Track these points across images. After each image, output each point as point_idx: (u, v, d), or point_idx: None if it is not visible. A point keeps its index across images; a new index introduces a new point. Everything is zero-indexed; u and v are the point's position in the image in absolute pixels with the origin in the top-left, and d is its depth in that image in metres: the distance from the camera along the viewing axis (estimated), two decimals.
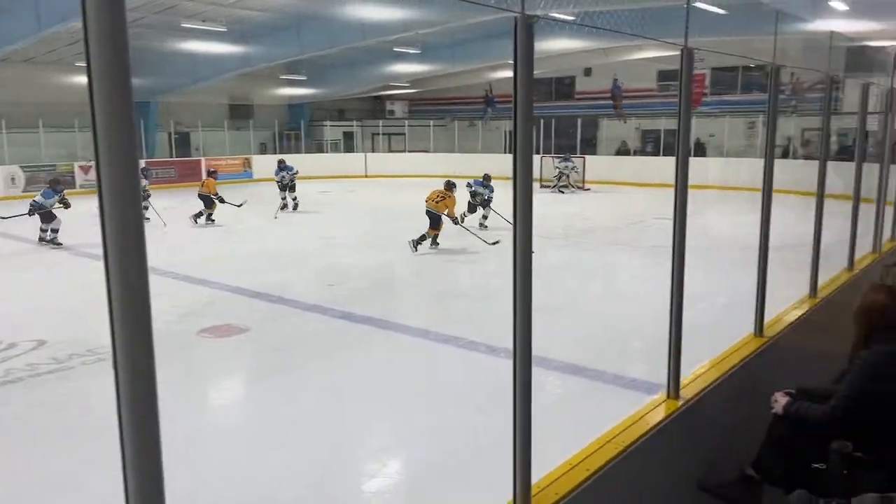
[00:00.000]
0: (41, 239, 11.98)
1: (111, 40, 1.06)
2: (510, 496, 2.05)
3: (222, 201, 14.62)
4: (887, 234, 6.62)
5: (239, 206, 14.59)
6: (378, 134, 30.69)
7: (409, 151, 29.25)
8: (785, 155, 19.94)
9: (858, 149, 5.86)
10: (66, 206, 12.29)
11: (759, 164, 3.82)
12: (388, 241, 12.39)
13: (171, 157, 24.73)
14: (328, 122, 30.74)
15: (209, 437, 4.64)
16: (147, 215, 14.90)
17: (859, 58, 6.21)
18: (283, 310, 7.74)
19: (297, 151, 28.45)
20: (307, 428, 4.72)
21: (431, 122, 29.70)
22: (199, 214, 14.53)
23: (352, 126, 30.93)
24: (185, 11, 17.14)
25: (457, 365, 5.94)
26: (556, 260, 10.15)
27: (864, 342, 2.86)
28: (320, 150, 29.48)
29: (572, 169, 21.56)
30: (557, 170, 21.39)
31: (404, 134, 30.26)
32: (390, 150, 30.18)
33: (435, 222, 11.30)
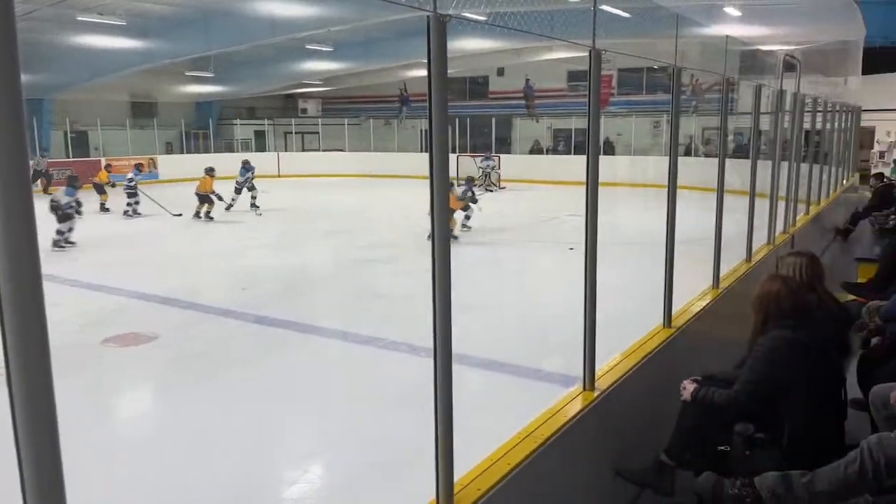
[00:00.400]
0: (56, 243, 11.17)
1: None
2: (433, 495, 2.06)
3: (220, 199, 14.75)
4: (780, 227, 7.05)
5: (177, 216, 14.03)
6: (291, 133, 30.09)
7: (324, 150, 28.84)
8: (687, 153, 20.93)
9: (753, 147, 6.21)
10: (78, 205, 11.88)
11: (664, 161, 3.99)
12: (303, 242, 12.19)
13: (68, 158, 23.37)
14: (238, 121, 29.87)
15: (116, 451, 4.41)
16: (139, 210, 15.32)
17: (752, 61, 6.57)
18: (195, 316, 7.46)
19: (206, 151, 27.48)
20: (222, 438, 4.57)
21: (346, 121, 29.39)
22: (198, 214, 14.62)
23: (263, 125, 30.17)
24: (80, 4, 16.19)
25: (377, 366, 5.90)
26: (473, 258, 10.25)
27: (762, 329, 3.03)
28: (230, 149, 28.56)
29: (493, 168, 21.89)
30: (481, 169, 21.66)
31: (318, 133, 29.80)
32: (304, 150, 29.67)
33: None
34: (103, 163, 22.28)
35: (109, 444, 4.50)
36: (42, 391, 1.08)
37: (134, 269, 9.76)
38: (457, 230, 11.95)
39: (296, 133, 30.10)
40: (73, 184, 12.14)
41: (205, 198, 14.69)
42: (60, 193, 11.78)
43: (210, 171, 15.10)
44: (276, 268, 9.88)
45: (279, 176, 26.45)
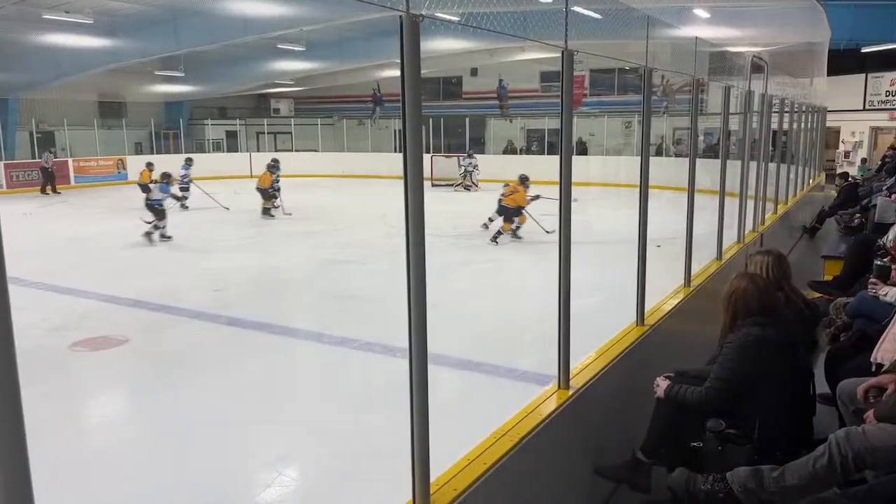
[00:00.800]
0: (148, 234, 11.80)
1: None
2: (409, 496, 2.05)
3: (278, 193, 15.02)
4: (749, 225, 7.17)
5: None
6: (263, 133, 29.83)
7: (297, 151, 28.63)
8: (659, 153, 21.18)
9: (722, 147, 6.30)
10: (180, 199, 12.93)
11: (636, 161, 4.03)
12: (276, 243, 12.09)
13: (34, 159, 22.89)
14: (209, 121, 29.50)
15: (86, 458, 4.33)
16: (186, 204, 15.72)
17: (721, 62, 6.67)
18: (166, 318, 7.36)
19: (177, 151, 27.07)
20: (196, 442, 4.51)
21: (319, 121, 29.21)
22: (266, 210, 15.03)
23: (235, 125, 29.83)
24: (46, 2, 15.88)
25: (353, 367, 5.87)
26: (447, 258, 10.25)
27: (731, 326, 3.08)
28: (201, 149, 28.19)
29: (475, 166, 21.94)
30: (462, 167, 21.71)
31: (291, 133, 29.57)
32: (276, 150, 29.40)
33: (508, 216, 11.69)
34: (71, 165, 22.02)
35: (79, 450, 4.42)
36: (8, 397, 1.06)
37: (102, 271, 9.60)
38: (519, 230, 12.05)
39: (268, 133, 29.84)
40: (166, 180, 12.68)
41: (265, 192, 15.11)
42: (157, 190, 12.43)
43: (272, 167, 15.41)
44: (248, 269, 9.78)
45: (251, 176, 26.17)
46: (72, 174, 23.03)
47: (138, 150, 26.72)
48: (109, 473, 4.11)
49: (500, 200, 12.07)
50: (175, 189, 12.63)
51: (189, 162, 17.90)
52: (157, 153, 26.84)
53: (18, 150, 22.75)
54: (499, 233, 11.65)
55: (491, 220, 12.41)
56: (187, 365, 6.00)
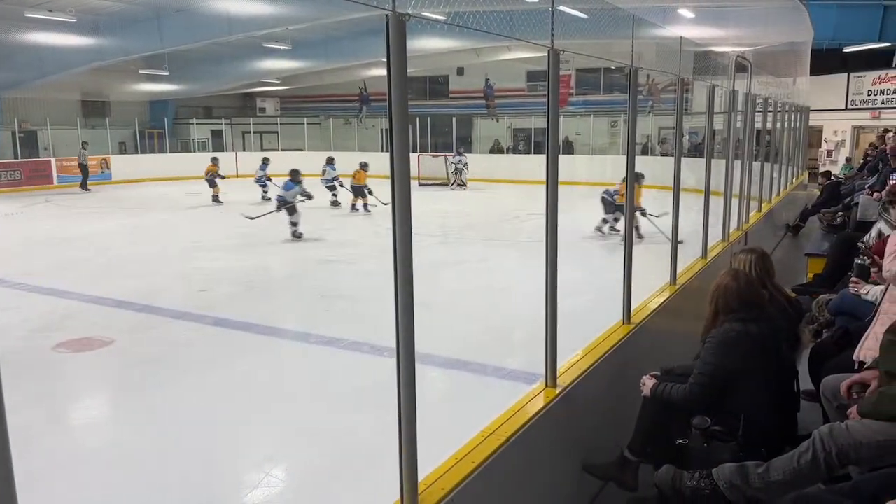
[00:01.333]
0: (295, 234, 11.99)
1: None
2: (398, 495, 2.05)
3: (371, 193, 15.32)
4: (734, 224, 7.23)
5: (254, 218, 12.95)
6: (249, 132, 29.67)
7: (283, 150, 28.51)
8: (644, 152, 21.30)
9: (707, 146, 6.35)
10: (309, 197, 12.51)
11: (622, 160, 4.05)
12: (262, 243, 12.02)
13: (17, 158, 22.63)
14: (194, 120, 29.31)
15: (71, 460, 4.28)
16: (338, 199, 16.74)
17: (705, 62, 6.72)
18: (151, 319, 7.30)
19: (162, 151, 26.95)
20: (183, 443, 4.47)
21: (305, 120, 29.09)
22: (354, 206, 15.79)
23: (220, 124, 29.64)
24: (29, 1, 15.71)
25: (341, 367, 5.85)
26: (435, 257, 10.25)
27: (714, 322, 3.10)
28: (186, 149, 28.04)
29: (465, 164, 21.95)
30: (453, 164, 21.74)
31: (277, 132, 29.43)
32: (262, 149, 29.26)
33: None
34: (54, 165, 21.79)
35: (64, 452, 4.37)
36: None
37: (86, 272, 9.51)
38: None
39: (254, 132, 29.69)
40: (294, 178, 12.76)
41: (359, 190, 15.75)
42: (282, 189, 12.65)
43: (364, 166, 15.90)
44: (234, 269, 9.73)
45: (238, 176, 26.05)
46: (55, 174, 22.79)
47: (122, 149, 26.50)
48: (95, 476, 4.07)
49: (614, 199, 11.37)
50: (304, 186, 12.68)
51: (266, 161, 18.45)
52: (142, 153, 26.67)
53: (1, 149, 22.46)
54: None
55: (605, 220, 11.83)
56: (173, 366, 5.96)
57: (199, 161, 25.68)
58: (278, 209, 12.34)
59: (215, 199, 17.71)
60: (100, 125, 25.61)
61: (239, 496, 3.92)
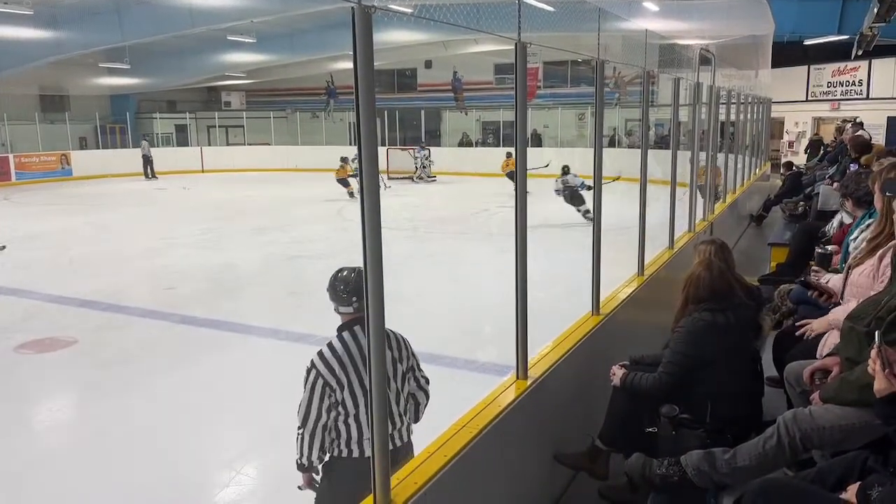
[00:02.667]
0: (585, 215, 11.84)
1: None
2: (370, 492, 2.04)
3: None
4: (700, 215, 7.33)
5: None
6: (214, 126, 29.22)
7: (249, 144, 28.15)
8: (612, 144, 21.50)
9: (673, 138, 6.42)
10: (590, 188, 12.40)
11: (589, 153, 4.08)
12: (229, 240, 11.87)
13: None
14: (157, 115, 28.78)
15: (37, 463, 4.19)
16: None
17: (670, 55, 6.79)
18: (117, 318, 7.16)
19: (124, 146, 26.38)
20: (150, 445, 4.40)
21: (271, 114, 28.75)
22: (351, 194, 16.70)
23: (184, 118, 29.13)
24: None
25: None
26: (404, 250, 10.23)
27: (683, 311, 3.15)
28: (150, 144, 27.52)
29: (427, 158, 21.93)
30: (417, 159, 21.72)
31: (243, 126, 29.04)
32: (228, 144, 28.88)
33: None
34: (11, 161, 21.22)
35: (28, 454, 4.28)
36: None
37: (48, 271, 9.28)
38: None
39: (219, 127, 29.25)
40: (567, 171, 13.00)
41: (344, 182, 17.03)
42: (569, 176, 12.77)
43: (344, 161, 17.21)
44: (201, 266, 9.59)
45: (203, 171, 25.67)
46: (13, 171, 22.21)
47: (83, 144, 25.91)
48: (60, 477, 3.99)
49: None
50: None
51: (423, 146, 20.85)
52: (103, 147, 26.08)
53: None
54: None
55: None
56: (138, 365, 5.86)
57: (163, 156, 25.30)
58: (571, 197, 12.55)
59: (352, 195, 17.61)
60: (59, 120, 24.97)
61: (210, 495, 3.88)
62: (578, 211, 12.38)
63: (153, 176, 23.99)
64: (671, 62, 6.77)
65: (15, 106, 23.29)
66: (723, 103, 8.81)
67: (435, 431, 2.53)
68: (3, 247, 10.36)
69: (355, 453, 2.57)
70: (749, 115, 12.34)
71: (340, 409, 2.57)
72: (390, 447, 2.51)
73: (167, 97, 29.15)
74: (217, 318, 7.02)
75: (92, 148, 25.97)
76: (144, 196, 17.71)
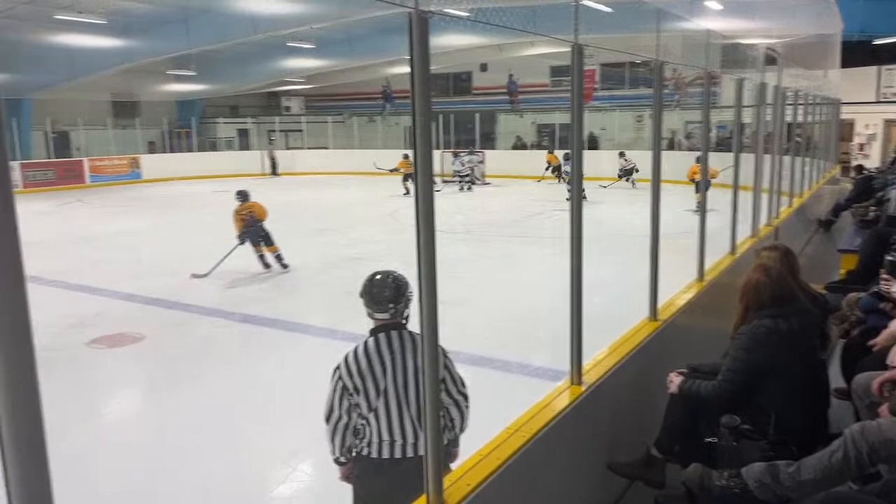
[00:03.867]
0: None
1: None
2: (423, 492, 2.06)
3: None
4: (764, 219, 7.11)
5: None
6: (274, 131, 29.92)
7: (308, 148, 28.71)
8: (670, 147, 21.05)
9: (736, 140, 6.25)
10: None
11: (647, 155, 4.01)
12: (289, 240, 12.11)
13: (49, 158, 23.11)
14: (221, 119, 29.66)
15: (104, 453, 4.38)
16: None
17: (733, 55, 6.61)
18: (181, 316, 7.42)
19: (189, 150, 27.30)
20: (212, 438, 4.55)
21: (329, 119, 29.25)
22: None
23: (246, 123, 29.95)
24: (59, 2, 15.99)
25: None
26: (459, 254, 10.25)
27: (743, 318, 3.06)
28: (214, 148, 28.42)
29: (478, 162, 21.89)
30: (466, 165, 21.72)
31: (302, 130, 29.64)
32: (287, 148, 29.53)
33: None
34: (86, 165, 22.18)
35: (98, 445, 4.47)
36: (28, 392, 1.07)
37: (118, 269, 9.68)
38: None
39: (279, 131, 29.94)
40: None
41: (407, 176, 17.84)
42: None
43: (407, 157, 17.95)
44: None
45: (263, 174, 26.32)
46: (87, 174, 23.24)
47: (151, 149, 26.90)
48: (126, 468, 4.16)
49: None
50: None
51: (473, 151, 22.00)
52: (170, 152, 27.04)
53: (34, 150, 22.93)
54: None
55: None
56: (202, 361, 6.05)
57: (226, 159, 26.08)
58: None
59: (408, 192, 18.57)
60: (129, 125, 26.05)
61: (267, 490, 3.97)
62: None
63: (276, 174, 25.79)
64: (734, 62, 6.58)
65: (89, 112, 24.42)
66: (789, 104, 8.54)
67: (488, 435, 2.53)
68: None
69: (374, 454, 2.61)
70: (817, 117, 11.90)
71: (358, 411, 2.61)
72: (412, 454, 2.57)
73: (230, 102, 30.03)
74: (276, 318, 7.18)
75: (160, 152, 26.95)
76: (208, 198, 18.24)
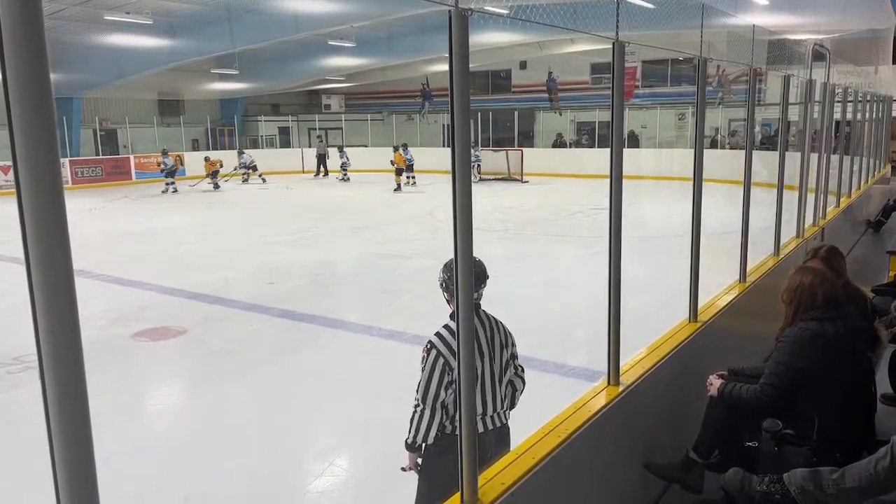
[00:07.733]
0: None
1: (27, 32, 1.00)
2: (457, 488, 2.06)
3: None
4: (810, 219, 6.93)
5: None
6: (314, 129, 30.25)
7: (347, 146, 28.96)
8: (713, 145, 20.65)
9: (781, 138, 6.11)
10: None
11: (689, 154, 3.94)
12: (327, 238, 12.26)
13: (98, 156, 23.78)
14: (262, 117, 30.11)
15: (147, 445, 4.49)
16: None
17: (780, 51, 6.45)
18: (222, 311, 7.56)
19: (231, 147, 27.78)
20: (250, 431, 4.63)
21: (368, 117, 29.45)
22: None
23: (287, 121, 30.35)
24: (108, 3, 16.44)
25: (402, 360, 5.90)
26: (496, 252, 10.22)
27: (791, 321, 2.98)
28: (255, 145, 28.86)
29: (477, 160, 21.78)
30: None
31: (341, 128, 29.91)
32: (328, 145, 29.83)
33: None
34: (132, 162, 22.70)
35: (140, 437, 4.59)
36: (74, 384, 1.10)
37: (162, 264, 9.91)
38: None
39: (319, 129, 30.25)
40: None
41: (400, 170, 18.67)
42: None
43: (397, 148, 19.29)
44: (300, 263, 9.95)
45: (303, 172, 26.66)
46: (133, 171, 23.84)
47: (195, 146, 27.46)
48: (167, 459, 4.26)
49: None
50: None
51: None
52: (214, 149, 27.57)
53: (83, 147, 23.62)
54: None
55: None
56: (242, 356, 6.16)
57: (266, 157, 26.48)
58: None
59: (399, 187, 19.51)
60: (174, 123, 26.64)
61: (303, 484, 4.02)
62: None
63: (325, 174, 25.38)
64: (781, 58, 6.43)
65: (136, 110, 25.06)
66: (838, 101, 8.30)
67: (524, 433, 2.52)
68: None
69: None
70: (867, 115, 11.54)
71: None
72: (491, 426, 2.70)
73: (272, 100, 30.46)
74: (314, 314, 7.27)
75: (203, 149, 27.48)
76: (250, 196, 18.55)
